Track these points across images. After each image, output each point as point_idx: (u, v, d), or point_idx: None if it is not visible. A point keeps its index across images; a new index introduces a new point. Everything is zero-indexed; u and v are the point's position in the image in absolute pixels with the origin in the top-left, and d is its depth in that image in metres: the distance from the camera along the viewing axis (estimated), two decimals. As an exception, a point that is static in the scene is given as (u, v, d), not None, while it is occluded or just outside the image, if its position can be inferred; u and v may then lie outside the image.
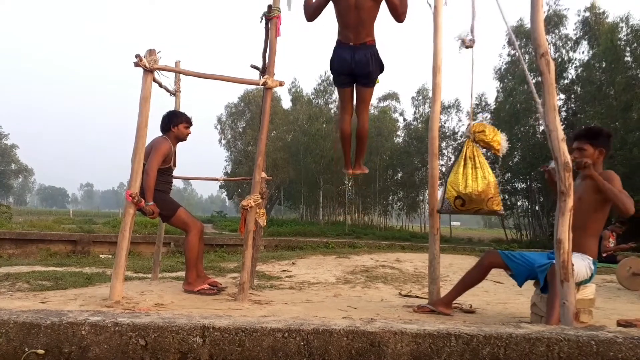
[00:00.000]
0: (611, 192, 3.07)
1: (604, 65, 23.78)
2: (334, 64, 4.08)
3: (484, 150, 3.68)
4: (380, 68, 4.04)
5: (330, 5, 4.00)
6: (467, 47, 3.78)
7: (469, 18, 3.80)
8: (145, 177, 4.02)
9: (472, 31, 3.71)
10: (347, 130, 4.32)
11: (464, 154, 3.54)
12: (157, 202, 4.15)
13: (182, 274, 5.05)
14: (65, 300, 3.80)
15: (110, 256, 9.92)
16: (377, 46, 4.01)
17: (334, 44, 4.08)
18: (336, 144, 35.03)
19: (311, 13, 4.06)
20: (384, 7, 3.94)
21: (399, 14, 3.94)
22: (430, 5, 4.00)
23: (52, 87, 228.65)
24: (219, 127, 45.53)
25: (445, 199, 3.58)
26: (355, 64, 3.94)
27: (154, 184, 4.12)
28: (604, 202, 3.18)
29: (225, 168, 45.49)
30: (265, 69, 4.30)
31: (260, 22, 4.28)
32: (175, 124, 4.42)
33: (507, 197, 29.58)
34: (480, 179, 3.45)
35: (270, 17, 4.17)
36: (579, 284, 3.15)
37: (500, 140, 3.55)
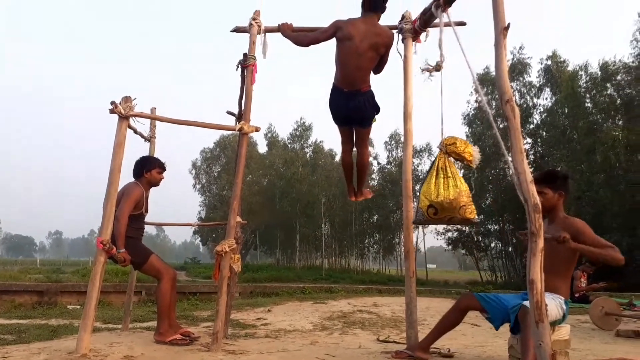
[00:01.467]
0: (601, 256, 3.06)
1: (566, 111, 24.88)
2: (331, 108, 4.20)
3: (457, 162, 3.70)
4: (377, 110, 4.17)
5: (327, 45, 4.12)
6: (435, 70, 3.89)
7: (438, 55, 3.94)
8: (116, 223, 3.93)
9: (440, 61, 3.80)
10: (348, 161, 4.51)
11: (436, 165, 3.59)
12: (128, 249, 4.06)
13: (154, 323, 4.88)
14: (28, 354, 3.62)
15: (78, 307, 9.55)
16: (373, 89, 4.12)
17: (330, 86, 4.17)
18: (314, 187, 35.20)
19: (307, 44, 4.16)
20: None
21: (380, 71, 4.17)
22: (400, 54, 4.17)
23: (19, 132, 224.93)
24: (193, 172, 45.30)
25: (418, 208, 3.62)
26: (350, 111, 4.08)
27: (125, 230, 4.04)
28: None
29: (200, 213, 44.92)
30: (241, 115, 4.35)
31: (237, 69, 4.37)
32: (148, 169, 4.39)
33: (480, 238, 29.99)
34: (451, 187, 3.47)
35: (246, 65, 4.28)
36: (552, 324, 3.17)
37: (472, 152, 3.59)
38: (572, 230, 3.15)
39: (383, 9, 4.08)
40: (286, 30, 4.28)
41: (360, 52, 3.92)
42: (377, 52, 3.98)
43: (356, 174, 4.62)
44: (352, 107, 4.04)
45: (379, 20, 4.07)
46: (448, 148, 3.59)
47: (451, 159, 3.64)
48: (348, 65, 3.97)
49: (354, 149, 4.47)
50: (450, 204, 3.46)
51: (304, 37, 4.18)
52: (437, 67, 3.88)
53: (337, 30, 4.00)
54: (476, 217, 3.55)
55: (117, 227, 3.94)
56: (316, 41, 4.13)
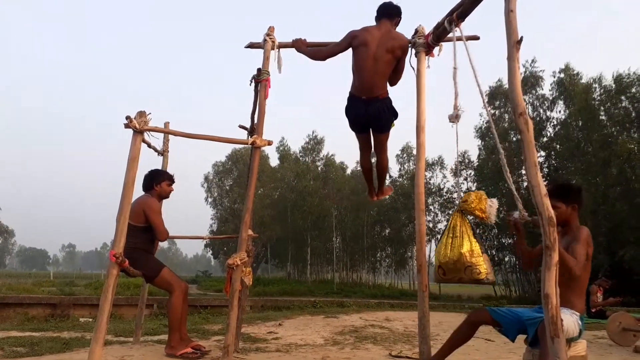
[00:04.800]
0: (562, 255, 2.94)
1: (580, 124, 24.66)
2: (349, 115, 4.20)
3: (472, 218, 3.63)
4: (395, 115, 4.16)
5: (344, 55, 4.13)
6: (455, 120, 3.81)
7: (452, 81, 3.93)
8: (163, 235, 4.29)
9: (455, 107, 3.75)
10: (367, 166, 4.57)
11: (450, 224, 3.56)
12: (140, 262, 4.08)
13: (165, 337, 4.88)
14: (41, 367, 3.63)
15: (90, 319, 9.58)
16: (390, 96, 4.12)
17: (347, 94, 4.17)
18: (325, 200, 35.14)
19: (324, 57, 4.21)
20: None
21: (396, 81, 4.18)
22: (413, 69, 4.17)
23: (32, 144, 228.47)
24: (205, 185, 45.56)
25: (433, 268, 3.61)
26: (369, 118, 4.08)
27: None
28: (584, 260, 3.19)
29: (211, 226, 45.04)
30: (253, 129, 4.38)
31: (250, 84, 4.41)
32: (158, 182, 4.44)
33: (494, 252, 29.63)
34: (456, 248, 3.43)
35: (260, 80, 4.31)
36: (569, 341, 3.11)
37: (485, 207, 3.46)
38: (574, 236, 3.18)
39: (396, 16, 4.12)
40: (300, 46, 4.32)
41: (376, 57, 3.93)
42: (394, 56, 3.98)
43: (376, 176, 4.63)
44: (371, 114, 4.03)
45: (394, 27, 4.11)
46: (462, 205, 3.53)
47: (465, 217, 3.58)
48: (365, 72, 3.97)
49: (372, 152, 4.48)
50: (454, 265, 3.43)
51: (319, 51, 4.22)
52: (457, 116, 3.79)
53: (352, 40, 4.03)
54: (488, 277, 3.42)
55: (167, 235, 4.33)
56: (333, 54, 4.16)
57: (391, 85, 4.18)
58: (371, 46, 3.94)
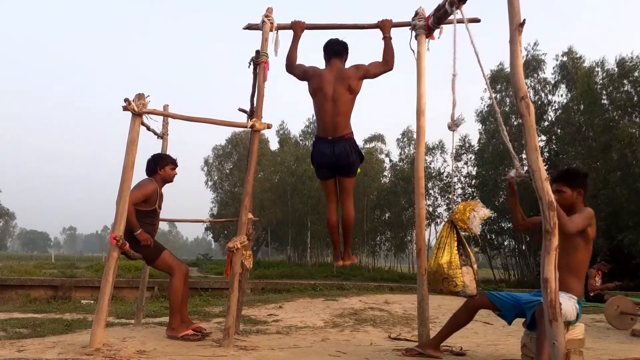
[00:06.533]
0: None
1: (582, 108, 24.51)
2: (315, 158, 4.19)
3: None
4: (360, 158, 4.16)
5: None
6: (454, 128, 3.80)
7: (451, 58, 3.90)
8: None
9: (452, 118, 3.74)
10: (333, 220, 4.36)
11: (439, 234, 3.62)
12: (140, 244, 4.10)
13: (166, 319, 4.92)
14: (43, 348, 3.66)
15: (92, 301, 9.67)
16: (355, 137, 4.14)
17: (313, 140, 4.22)
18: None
19: (288, 67, 4.27)
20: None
21: (387, 67, 4.13)
22: (413, 52, 4.14)
23: (33, 127, 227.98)
24: (205, 168, 45.53)
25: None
26: (336, 157, 4.05)
27: (134, 215, 4.05)
28: (585, 242, 3.20)
29: (212, 210, 45.11)
30: (253, 112, 4.36)
31: (249, 66, 4.38)
32: (162, 166, 4.43)
33: (493, 236, 29.74)
34: (437, 258, 3.50)
35: (259, 62, 4.28)
36: (567, 324, 3.14)
37: (468, 217, 3.43)
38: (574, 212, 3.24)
39: (344, 53, 4.19)
40: (298, 29, 4.30)
41: (335, 99, 3.99)
42: (352, 92, 4.04)
43: (342, 233, 4.46)
44: (338, 153, 4.03)
45: (344, 63, 4.16)
46: (451, 216, 3.59)
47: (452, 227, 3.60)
48: (327, 115, 4.03)
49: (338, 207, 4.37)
50: (434, 275, 3.50)
51: (286, 65, 4.27)
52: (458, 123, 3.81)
53: (305, 77, 4.15)
54: (465, 290, 3.41)
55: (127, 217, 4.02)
56: (295, 71, 4.24)
57: (389, 70, 4.13)
58: (327, 91, 4.01)
